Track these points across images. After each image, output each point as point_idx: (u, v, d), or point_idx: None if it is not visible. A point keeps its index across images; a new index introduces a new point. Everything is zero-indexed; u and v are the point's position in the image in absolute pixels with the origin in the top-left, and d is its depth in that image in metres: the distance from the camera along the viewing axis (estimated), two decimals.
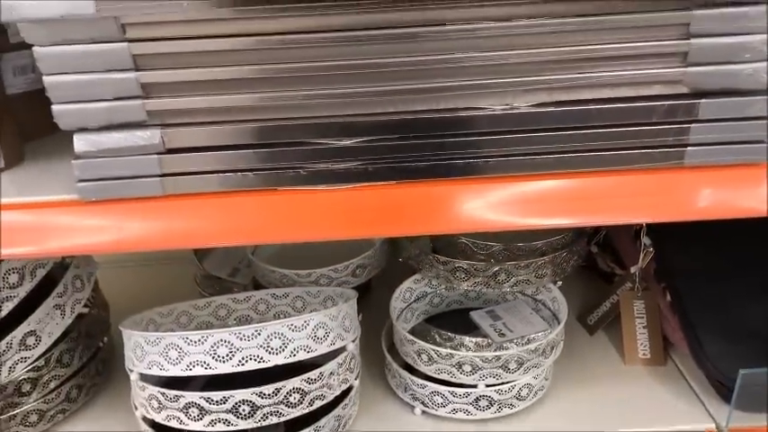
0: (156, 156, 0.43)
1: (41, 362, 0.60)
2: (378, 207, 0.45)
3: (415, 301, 0.71)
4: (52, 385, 0.61)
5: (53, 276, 0.61)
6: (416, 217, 0.45)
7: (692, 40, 0.41)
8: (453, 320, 0.71)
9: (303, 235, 0.45)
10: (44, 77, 0.40)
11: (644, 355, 0.68)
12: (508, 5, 0.40)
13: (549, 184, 0.45)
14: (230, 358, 0.49)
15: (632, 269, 0.70)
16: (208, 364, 0.49)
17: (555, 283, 0.68)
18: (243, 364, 0.50)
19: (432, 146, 0.44)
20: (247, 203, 0.44)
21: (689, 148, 0.44)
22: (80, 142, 0.42)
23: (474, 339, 0.64)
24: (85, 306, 0.66)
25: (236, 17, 0.39)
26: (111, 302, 0.73)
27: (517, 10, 0.40)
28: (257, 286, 0.75)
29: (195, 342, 0.49)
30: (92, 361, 0.66)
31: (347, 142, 0.43)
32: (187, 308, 0.67)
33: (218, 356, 0.49)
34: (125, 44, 0.40)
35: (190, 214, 0.44)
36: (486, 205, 0.45)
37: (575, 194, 0.45)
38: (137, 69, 0.41)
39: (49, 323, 0.59)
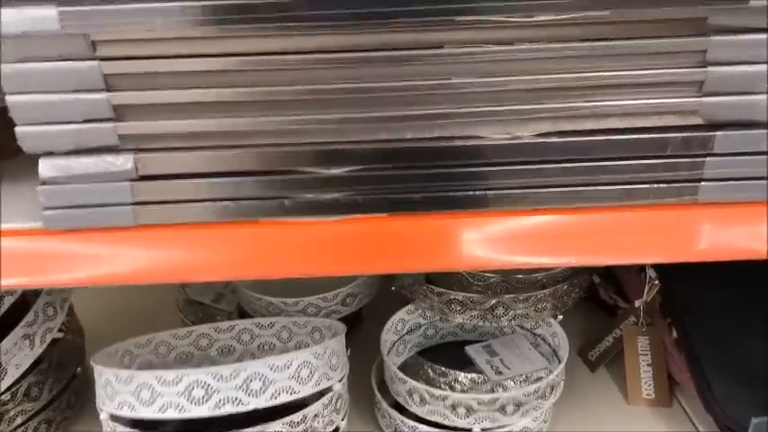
0: (128, 183, 0.40)
1: (7, 396, 0.56)
2: (368, 241, 0.41)
3: (407, 333, 0.67)
4: (19, 420, 0.58)
5: (24, 299, 0.58)
6: (409, 253, 0.42)
7: (709, 69, 0.38)
8: (448, 353, 0.67)
9: (287, 270, 0.42)
10: (7, 97, 0.37)
11: (648, 395, 0.65)
12: (510, 28, 0.37)
13: (553, 220, 0.41)
14: (206, 401, 0.46)
15: (636, 303, 0.67)
16: (182, 407, 0.46)
17: (555, 317, 0.64)
18: (220, 408, 0.46)
19: (427, 176, 0.41)
20: (227, 236, 0.41)
21: (703, 183, 0.41)
22: (46, 167, 0.39)
23: (469, 375, 0.61)
24: (59, 331, 0.63)
25: (217, 36, 0.36)
26: (88, 327, 0.70)
27: (520, 33, 0.37)
28: (242, 313, 0.71)
29: (169, 383, 0.46)
30: (63, 393, 0.62)
31: (336, 171, 0.40)
32: (166, 337, 0.63)
33: (194, 398, 0.46)
34: (95, 63, 0.37)
35: (164, 246, 0.41)
36: (486, 241, 0.42)
37: (581, 231, 0.42)
38: (108, 90, 0.37)
39: (16, 354, 0.56)
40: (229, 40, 0.37)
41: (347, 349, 0.56)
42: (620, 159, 0.40)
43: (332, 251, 0.41)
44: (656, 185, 0.41)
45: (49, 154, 0.39)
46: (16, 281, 0.41)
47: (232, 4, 0.35)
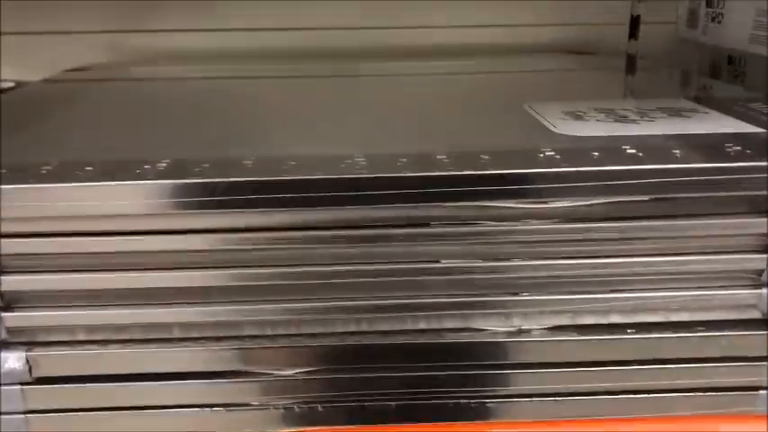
0: (18, 387, 0.31)
1: None
2: None
3: None
4: None
5: None
6: None
7: None
8: None
9: None
10: None
11: None
12: (517, 209, 0.28)
13: None
14: None
15: None
16: None
17: None
18: None
19: (408, 380, 0.31)
20: None
21: (761, 391, 0.32)
22: None
23: None
24: None
25: (139, 214, 0.28)
26: None
27: (528, 211, 0.29)
28: None
29: None
30: None
31: (288, 372, 0.31)
32: None
33: None
34: None
35: None
36: None
37: None
38: None
39: None
40: (154, 217, 0.28)
41: None
42: (655, 363, 0.31)
43: None
44: (701, 394, 0.32)
45: None
46: None
47: (155, 185, 0.27)
